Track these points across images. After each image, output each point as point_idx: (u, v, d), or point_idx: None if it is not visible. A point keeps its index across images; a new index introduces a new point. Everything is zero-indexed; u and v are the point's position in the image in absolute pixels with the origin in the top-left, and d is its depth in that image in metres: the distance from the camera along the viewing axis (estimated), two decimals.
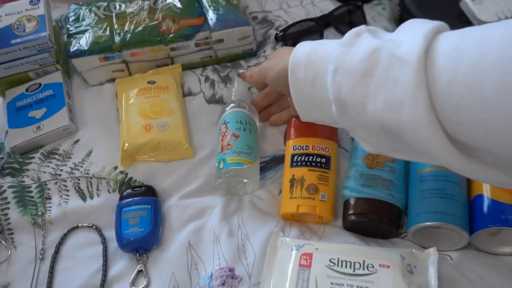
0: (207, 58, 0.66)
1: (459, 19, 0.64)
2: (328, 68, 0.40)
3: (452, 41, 0.33)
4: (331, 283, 0.42)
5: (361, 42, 0.38)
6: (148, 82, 0.61)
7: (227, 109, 0.56)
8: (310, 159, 0.54)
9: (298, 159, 0.54)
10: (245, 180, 0.52)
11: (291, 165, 0.54)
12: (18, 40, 0.59)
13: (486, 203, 0.47)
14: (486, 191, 0.48)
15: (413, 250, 0.46)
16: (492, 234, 0.47)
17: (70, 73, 0.66)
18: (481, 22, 0.61)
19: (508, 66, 0.28)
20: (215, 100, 0.62)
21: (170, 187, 0.55)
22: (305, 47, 0.45)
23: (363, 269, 0.43)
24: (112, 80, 0.64)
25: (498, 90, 0.29)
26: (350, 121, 0.41)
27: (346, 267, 0.43)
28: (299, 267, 0.44)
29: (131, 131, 0.57)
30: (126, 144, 0.56)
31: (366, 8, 0.71)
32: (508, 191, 0.47)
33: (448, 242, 0.48)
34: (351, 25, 0.69)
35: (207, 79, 0.64)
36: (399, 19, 0.70)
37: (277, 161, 0.57)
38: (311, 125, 0.55)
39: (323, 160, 0.54)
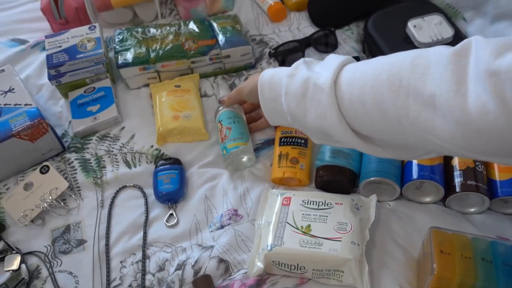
0: (217, 69, 0.88)
1: (405, 41, 0.86)
2: (282, 92, 0.58)
3: (349, 72, 0.52)
4: (303, 214, 0.63)
5: (298, 72, 0.57)
6: (175, 86, 0.83)
7: (219, 109, 0.77)
8: (293, 140, 0.75)
9: (285, 140, 0.75)
10: (243, 156, 0.72)
11: (279, 145, 0.75)
12: (82, 55, 0.81)
13: (413, 165, 0.68)
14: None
15: (361, 196, 0.67)
16: (417, 188, 0.68)
17: (115, 80, 0.88)
18: (420, 43, 0.83)
19: (378, 90, 0.47)
20: None
21: (191, 160, 0.76)
22: (267, 74, 0.62)
23: (324, 205, 0.64)
24: (147, 85, 0.86)
25: (374, 103, 0.48)
26: (299, 125, 0.59)
27: (313, 204, 0.64)
28: (282, 205, 0.65)
29: (164, 120, 0.78)
30: (160, 128, 0.77)
31: (338, 32, 0.93)
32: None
33: (387, 194, 0.69)
34: (327, 45, 0.92)
35: (218, 85, 0.86)
36: (363, 41, 0.92)
37: (269, 143, 0.78)
38: None
39: (303, 141, 0.75)
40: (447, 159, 0.69)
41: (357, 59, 0.86)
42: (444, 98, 0.41)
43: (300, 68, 0.57)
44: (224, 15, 0.96)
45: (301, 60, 0.59)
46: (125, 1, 0.98)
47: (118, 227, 0.68)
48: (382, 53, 0.84)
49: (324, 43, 0.92)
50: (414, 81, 0.44)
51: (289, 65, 0.62)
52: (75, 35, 0.84)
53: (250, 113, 0.80)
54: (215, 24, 0.89)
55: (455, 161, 0.68)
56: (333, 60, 0.56)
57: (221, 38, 0.86)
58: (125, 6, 0.99)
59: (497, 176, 0.67)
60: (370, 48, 0.89)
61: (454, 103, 0.40)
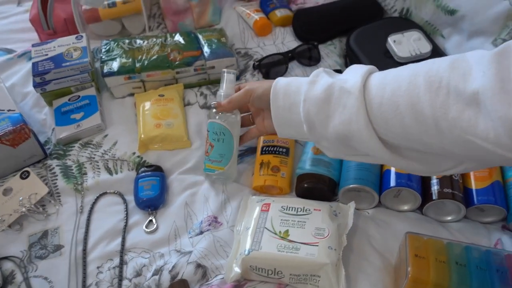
0: (202, 80, 0.89)
1: (385, 55, 0.88)
2: (300, 99, 0.55)
3: (379, 78, 0.50)
4: (281, 220, 0.63)
5: (320, 79, 0.54)
6: (158, 95, 0.84)
7: (211, 117, 0.70)
8: (275, 149, 0.75)
9: (266, 149, 0.76)
10: (218, 179, 0.71)
11: (261, 153, 0.76)
12: (68, 63, 0.82)
13: (391, 174, 0.69)
14: (392, 167, 0.70)
15: (340, 203, 0.67)
16: (395, 196, 0.68)
17: (100, 89, 0.89)
18: (399, 57, 0.85)
19: (414, 91, 0.45)
20: (206, 107, 0.85)
21: (172, 167, 0.76)
22: (282, 81, 0.59)
23: (303, 211, 0.64)
24: (132, 94, 0.87)
25: (409, 106, 0.45)
26: (316, 135, 0.55)
27: (291, 210, 0.64)
28: (261, 211, 0.65)
29: (146, 127, 0.79)
30: (142, 136, 0.78)
31: (321, 47, 0.95)
32: None
33: (366, 202, 0.69)
34: (310, 58, 0.94)
35: (201, 93, 0.88)
36: (345, 55, 0.94)
37: (251, 150, 0.79)
38: None
39: (284, 150, 0.76)
40: None
41: (339, 72, 0.88)
42: (488, 95, 0.39)
43: (322, 76, 0.55)
44: (211, 28, 0.99)
45: (321, 69, 0.57)
46: (113, 13, 1.00)
47: (97, 233, 0.68)
48: (359, 60, 0.87)
49: (307, 57, 0.94)
50: (455, 81, 0.42)
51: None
52: (61, 44, 0.85)
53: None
54: (200, 36, 0.91)
55: None
56: (357, 67, 0.54)
57: (206, 49, 0.88)
58: (114, 19, 1.01)
59: (473, 184, 0.68)
60: (352, 62, 0.92)
61: (499, 98, 0.39)
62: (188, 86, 0.89)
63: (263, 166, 0.74)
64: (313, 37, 0.97)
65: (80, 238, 0.67)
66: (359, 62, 0.88)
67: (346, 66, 0.93)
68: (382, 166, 0.72)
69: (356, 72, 0.53)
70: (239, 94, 0.66)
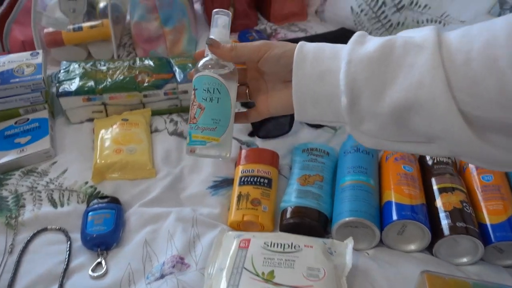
0: (173, 106, 0.79)
1: None
2: (340, 64, 0.41)
3: (459, 32, 0.38)
4: (264, 258, 0.50)
5: (370, 39, 0.42)
6: (122, 119, 0.73)
7: (201, 68, 0.48)
8: (255, 180, 0.64)
9: (245, 180, 0.64)
10: (209, 155, 0.49)
11: (239, 184, 0.64)
12: (17, 79, 0.71)
13: (392, 206, 0.58)
14: (393, 198, 0.59)
15: (334, 240, 0.56)
16: (399, 233, 0.57)
17: (55, 114, 0.77)
18: None
19: None
20: (176, 133, 0.74)
21: (132, 199, 0.63)
22: (310, 45, 0.45)
23: (291, 248, 0.52)
24: (91, 119, 0.76)
25: None
26: (359, 112, 0.41)
27: (277, 247, 0.52)
28: (239, 248, 0.52)
29: (104, 152, 0.67)
30: (98, 161, 0.65)
31: None
32: (407, 195, 0.58)
33: (365, 240, 0.58)
34: None
35: (171, 120, 0.77)
36: None
37: (228, 182, 0.67)
38: (256, 154, 0.68)
39: (266, 180, 0.65)
40: (430, 200, 0.60)
41: None
42: None
43: (369, 37, 0.42)
44: (185, 54, 0.91)
45: (363, 32, 0.44)
46: (79, 38, 0.91)
47: (27, 278, 0.53)
48: None
49: None
50: None
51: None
52: (13, 60, 0.75)
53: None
54: (173, 61, 0.83)
55: (439, 202, 0.59)
56: (416, 29, 0.41)
57: (179, 73, 0.79)
58: (78, 44, 0.93)
59: (487, 219, 0.58)
60: None
61: None
62: (156, 113, 0.78)
63: (241, 199, 0.62)
64: None
65: (4, 284, 0.52)
66: None
67: None
68: (381, 197, 0.62)
69: (420, 30, 0.40)
70: (252, 44, 0.48)
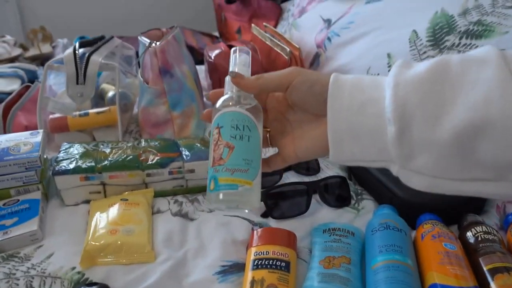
0: (178, 187, 0.73)
1: None
2: (383, 92, 0.36)
3: None
4: None
5: (417, 63, 0.38)
6: (121, 200, 0.66)
7: (221, 106, 0.43)
8: (270, 263, 0.55)
9: (259, 263, 0.55)
10: (239, 205, 0.43)
11: (252, 268, 0.55)
12: (11, 157, 0.66)
13: None
14: (436, 279, 0.49)
15: None
16: None
17: (49, 196, 0.71)
18: None
19: None
20: (180, 214, 0.66)
21: (126, 285, 0.53)
22: (346, 76, 0.40)
23: None
24: (88, 201, 0.69)
25: None
26: (411, 143, 0.35)
27: None
28: None
29: (97, 233, 0.58)
30: (89, 243, 0.57)
31: (319, 159, 0.83)
32: (453, 275, 0.48)
33: None
34: (308, 169, 0.80)
35: (176, 201, 0.70)
36: (349, 167, 0.81)
37: (238, 267, 0.58)
38: (272, 234, 0.60)
39: (283, 264, 0.55)
40: (483, 285, 0.50)
41: (344, 179, 0.74)
42: None
43: (415, 62, 0.38)
44: (192, 136, 0.87)
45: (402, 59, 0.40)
46: (84, 123, 0.89)
47: None
48: (372, 177, 0.73)
49: (304, 167, 0.80)
50: None
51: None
52: (12, 139, 0.71)
53: None
54: (180, 142, 0.78)
55: (494, 286, 0.49)
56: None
57: (185, 152, 0.74)
58: (83, 130, 0.90)
59: None
60: (356, 172, 0.78)
61: None
62: (160, 194, 0.72)
63: (255, 285, 0.52)
64: None
65: None
66: (365, 172, 0.75)
67: (351, 178, 0.79)
68: (423, 281, 0.51)
69: (475, 50, 0.36)
70: (280, 71, 0.43)
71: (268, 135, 0.47)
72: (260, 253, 0.56)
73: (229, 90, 0.45)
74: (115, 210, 0.63)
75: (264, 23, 1.16)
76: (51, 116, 0.88)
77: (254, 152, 0.42)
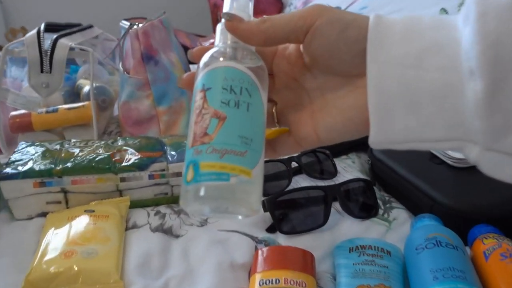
0: (161, 195, 0.58)
1: (432, 161, 0.61)
2: (456, 33, 0.25)
3: None
4: None
5: None
6: (85, 211, 0.51)
7: (208, 62, 0.30)
8: None
9: None
10: (230, 207, 0.28)
11: None
12: None
13: None
14: None
15: None
16: None
17: None
18: (457, 160, 0.58)
19: None
20: (162, 229, 0.51)
21: None
22: (392, 17, 0.27)
23: None
24: (44, 214, 0.54)
25: None
26: (508, 109, 0.23)
27: None
28: None
29: (46, 257, 0.43)
30: (33, 271, 0.41)
31: (335, 160, 0.68)
32: None
33: None
34: (322, 172, 0.65)
35: (157, 212, 0.55)
36: (370, 168, 0.67)
37: None
38: (282, 256, 0.45)
39: None
40: None
41: (369, 182, 0.59)
42: None
43: None
44: (180, 135, 0.73)
45: None
46: (52, 121, 0.75)
47: None
48: (404, 180, 0.58)
49: (318, 170, 0.65)
50: None
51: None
52: None
53: None
54: (164, 140, 0.64)
55: None
56: None
57: (170, 151, 0.59)
58: (51, 130, 0.75)
59: None
60: (382, 176, 0.63)
61: None
62: (137, 204, 0.57)
63: None
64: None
65: None
66: (394, 175, 0.60)
67: (374, 183, 0.64)
68: None
69: None
70: (294, 12, 0.29)
71: (274, 110, 0.33)
72: (267, 282, 0.41)
73: (221, 41, 0.31)
74: (75, 225, 0.48)
75: None
76: (12, 113, 0.74)
77: (256, 127, 0.29)
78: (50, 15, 2.00)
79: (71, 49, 0.71)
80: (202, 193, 0.27)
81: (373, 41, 0.26)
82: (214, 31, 1.55)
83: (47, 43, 0.72)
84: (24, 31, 1.47)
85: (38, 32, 0.69)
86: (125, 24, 0.77)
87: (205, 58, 0.30)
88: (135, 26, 0.73)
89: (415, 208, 0.58)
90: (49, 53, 0.69)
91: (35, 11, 2.03)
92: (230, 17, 0.30)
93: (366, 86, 0.26)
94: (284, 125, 0.33)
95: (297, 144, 0.32)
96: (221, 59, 0.30)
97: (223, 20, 0.31)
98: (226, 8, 0.31)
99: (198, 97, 0.29)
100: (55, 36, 0.71)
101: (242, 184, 0.27)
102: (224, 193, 0.27)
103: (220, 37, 0.31)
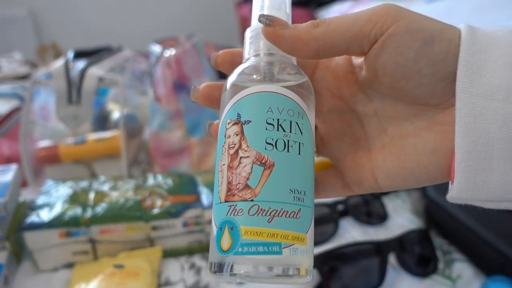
0: (196, 243, 0.53)
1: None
2: None
3: None
4: None
5: None
6: (114, 266, 0.47)
7: (240, 82, 0.23)
8: None
9: None
10: (279, 281, 0.22)
11: None
12: None
13: None
14: None
15: None
16: None
17: (22, 257, 0.52)
18: None
19: None
20: (197, 287, 0.46)
21: None
22: (491, 30, 0.21)
23: None
24: (70, 265, 0.50)
25: None
26: None
27: None
28: None
29: None
30: None
31: (384, 200, 0.62)
32: None
33: None
34: (370, 215, 0.59)
35: (192, 266, 0.50)
36: (425, 210, 0.60)
37: None
38: None
39: None
40: None
41: (425, 233, 0.53)
42: None
43: None
44: (212, 167, 0.68)
45: None
46: (80, 152, 0.71)
47: None
48: (467, 230, 0.51)
49: (365, 212, 0.59)
50: None
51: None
52: None
53: None
54: (198, 178, 0.59)
55: None
56: None
57: (206, 195, 0.54)
58: (79, 161, 0.72)
59: None
60: (439, 221, 0.57)
61: None
62: (170, 253, 0.52)
63: None
64: None
65: None
66: (454, 223, 0.53)
67: (429, 225, 0.57)
68: None
69: None
70: (357, 13, 0.21)
71: (316, 139, 0.26)
72: None
73: (253, 52, 0.24)
74: (104, 284, 0.44)
75: None
76: (39, 145, 0.71)
77: (308, 175, 0.22)
78: (81, 28, 2.01)
79: (101, 79, 0.67)
80: (246, 269, 0.21)
81: (468, 63, 0.20)
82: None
83: (76, 69, 0.69)
84: (55, 49, 1.45)
85: (66, 62, 0.66)
86: (156, 48, 0.73)
87: (235, 76, 0.23)
88: (167, 52, 0.69)
89: (478, 260, 0.51)
90: (77, 84, 0.65)
91: (67, 26, 2.04)
92: (271, 21, 0.22)
93: (450, 123, 0.20)
94: (325, 156, 0.27)
95: (347, 188, 0.25)
96: (258, 78, 0.23)
97: (255, 25, 0.24)
98: (257, 8, 0.24)
99: (231, 130, 0.22)
100: (83, 65, 0.67)
101: (297, 255, 0.21)
102: (275, 269, 0.21)
103: (252, 46, 0.24)
